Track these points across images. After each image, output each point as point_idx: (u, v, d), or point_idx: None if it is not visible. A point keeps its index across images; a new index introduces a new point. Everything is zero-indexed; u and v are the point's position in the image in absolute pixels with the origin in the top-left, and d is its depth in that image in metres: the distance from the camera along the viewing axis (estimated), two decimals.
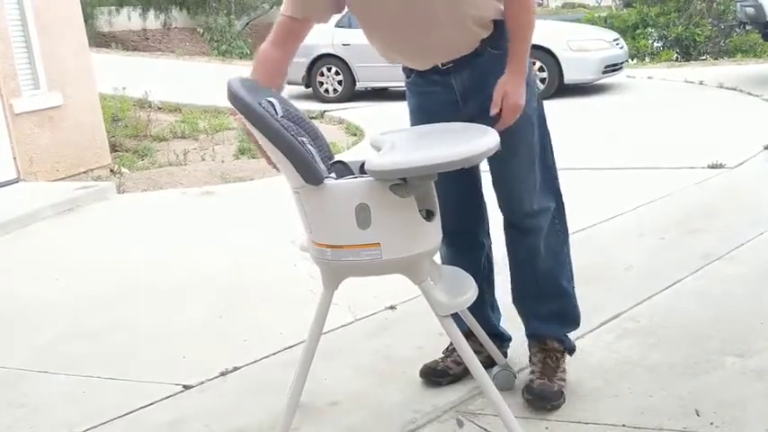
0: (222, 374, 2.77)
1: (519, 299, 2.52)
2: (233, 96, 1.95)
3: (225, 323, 3.27)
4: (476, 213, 2.52)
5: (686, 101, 8.48)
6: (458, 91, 2.31)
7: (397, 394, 2.53)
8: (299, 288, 3.46)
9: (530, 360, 2.49)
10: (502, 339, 2.61)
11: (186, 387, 2.70)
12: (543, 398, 2.34)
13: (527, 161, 2.34)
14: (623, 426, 2.23)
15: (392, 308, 3.21)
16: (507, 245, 2.48)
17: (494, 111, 2.21)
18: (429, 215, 2.07)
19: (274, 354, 2.90)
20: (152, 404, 2.60)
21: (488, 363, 2.46)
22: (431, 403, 2.44)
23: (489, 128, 2.10)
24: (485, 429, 2.28)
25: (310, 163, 1.96)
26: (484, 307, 2.54)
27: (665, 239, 3.83)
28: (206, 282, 3.77)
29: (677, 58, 13.80)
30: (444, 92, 2.32)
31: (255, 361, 2.86)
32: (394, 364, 2.75)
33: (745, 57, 12.74)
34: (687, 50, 13.98)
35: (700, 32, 13.73)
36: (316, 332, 2.14)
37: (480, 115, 2.25)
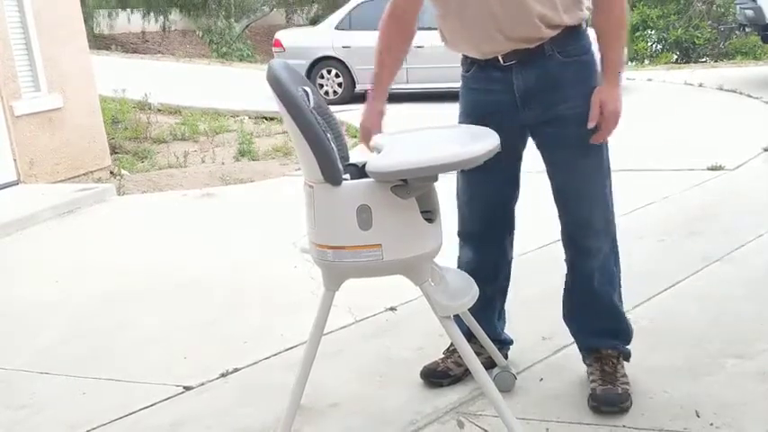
0: (223, 376, 2.77)
1: (572, 316, 2.51)
2: (274, 79, 1.94)
3: (225, 324, 3.27)
4: (503, 219, 2.47)
5: (686, 103, 8.50)
6: (518, 92, 2.23)
7: (398, 396, 2.53)
8: (299, 289, 3.46)
9: (587, 372, 2.46)
10: (503, 343, 2.61)
11: (187, 388, 2.70)
12: (609, 402, 2.31)
13: (600, 177, 2.31)
14: (624, 426, 2.24)
15: (393, 309, 3.21)
16: (567, 262, 2.45)
17: (591, 123, 2.17)
18: (430, 216, 2.07)
19: (275, 355, 2.90)
20: (152, 405, 2.60)
21: (488, 364, 2.45)
22: (431, 404, 2.44)
23: (491, 130, 2.10)
24: (485, 430, 2.28)
25: (335, 161, 1.96)
26: (491, 314, 2.53)
27: (665, 241, 3.83)
28: (206, 283, 3.77)
29: (677, 60, 13.82)
30: (503, 91, 2.25)
31: (256, 362, 2.86)
32: (394, 366, 2.75)
33: (744, 59, 12.76)
34: (687, 53, 14.00)
35: (699, 35, 13.75)
36: (316, 334, 2.14)
37: (540, 122, 2.23)
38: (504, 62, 2.22)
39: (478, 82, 2.32)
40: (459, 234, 2.50)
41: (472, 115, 2.34)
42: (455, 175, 2.44)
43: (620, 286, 2.47)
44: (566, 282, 2.48)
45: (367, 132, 2.40)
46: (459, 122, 2.39)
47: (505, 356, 2.60)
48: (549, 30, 2.17)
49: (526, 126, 2.28)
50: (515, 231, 2.53)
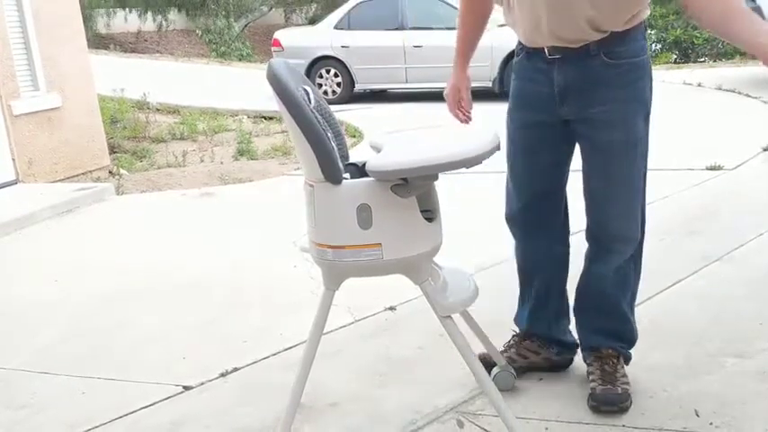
0: (222, 375, 2.77)
1: (579, 311, 2.49)
2: (274, 77, 1.93)
3: (225, 324, 3.27)
4: (548, 207, 2.40)
5: (685, 103, 8.49)
6: (557, 87, 2.20)
7: (398, 395, 2.53)
8: (299, 289, 3.46)
9: (587, 372, 2.44)
10: (563, 346, 2.55)
11: (186, 388, 2.70)
12: (608, 402, 2.30)
13: (627, 184, 2.26)
14: (623, 426, 2.24)
15: (392, 309, 3.21)
16: (586, 258, 2.42)
17: None
18: (430, 216, 2.07)
19: (274, 354, 2.90)
20: (152, 405, 2.60)
21: (488, 364, 2.45)
22: (431, 404, 2.44)
23: (492, 129, 2.10)
24: (485, 430, 2.28)
25: (336, 160, 1.96)
26: (543, 311, 2.50)
27: (665, 241, 3.83)
28: (206, 283, 3.77)
29: (676, 60, 13.81)
30: (544, 83, 2.22)
31: (255, 362, 2.86)
32: (394, 365, 2.75)
33: (743, 59, 12.74)
34: (686, 52, 13.99)
35: (698, 35, 13.73)
36: (316, 333, 2.13)
37: (576, 120, 2.21)
38: (550, 55, 2.20)
39: (524, 69, 2.31)
40: (506, 219, 2.48)
41: (517, 102, 2.34)
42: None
43: (634, 292, 2.44)
44: (580, 276, 2.46)
45: (456, 92, 2.53)
46: (508, 106, 2.38)
47: (569, 362, 2.56)
48: (596, 33, 2.12)
49: (568, 121, 2.25)
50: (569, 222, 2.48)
